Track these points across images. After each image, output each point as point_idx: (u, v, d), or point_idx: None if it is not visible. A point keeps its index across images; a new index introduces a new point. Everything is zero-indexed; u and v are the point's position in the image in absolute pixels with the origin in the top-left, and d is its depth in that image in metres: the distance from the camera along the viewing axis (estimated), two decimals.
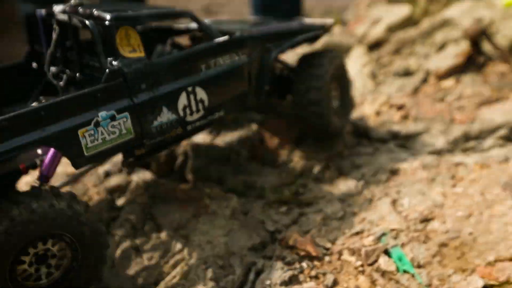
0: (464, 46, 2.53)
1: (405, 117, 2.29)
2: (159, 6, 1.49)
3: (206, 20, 1.38)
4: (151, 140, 1.11)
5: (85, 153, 1.02)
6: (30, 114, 0.96)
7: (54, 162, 1.08)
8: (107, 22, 1.06)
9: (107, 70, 1.04)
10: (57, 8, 1.16)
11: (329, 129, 1.58)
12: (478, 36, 2.37)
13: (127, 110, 1.05)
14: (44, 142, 0.97)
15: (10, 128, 0.92)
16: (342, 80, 1.69)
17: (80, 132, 0.99)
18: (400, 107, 2.34)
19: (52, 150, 1.05)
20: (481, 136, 2.04)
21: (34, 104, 1.16)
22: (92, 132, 1.01)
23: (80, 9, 1.12)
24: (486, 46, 2.46)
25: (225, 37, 1.21)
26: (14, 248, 0.92)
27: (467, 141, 2.01)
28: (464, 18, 2.72)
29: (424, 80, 2.55)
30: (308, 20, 1.60)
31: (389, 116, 2.30)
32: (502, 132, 2.02)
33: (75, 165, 1.04)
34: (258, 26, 1.40)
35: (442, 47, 2.70)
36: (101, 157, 1.08)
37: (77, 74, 1.14)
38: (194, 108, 1.17)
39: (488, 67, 2.51)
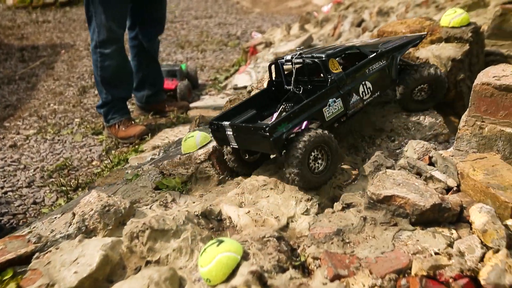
0: None
1: None
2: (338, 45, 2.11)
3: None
4: (350, 111, 1.89)
5: (326, 119, 1.81)
6: (309, 102, 1.75)
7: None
8: (324, 58, 1.84)
9: (329, 80, 1.83)
10: (289, 57, 1.96)
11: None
12: None
13: (339, 97, 1.84)
14: (310, 117, 1.76)
15: (299, 111, 1.72)
16: None
17: (323, 110, 1.79)
18: None
19: (306, 122, 1.75)
20: None
21: (282, 106, 2.01)
22: (327, 109, 1.80)
23: (304, 55, 1.93)
24: None
25: (374, 54, 2.00)
26: (310, 149, 1.66)
27: None
28: None
29: None
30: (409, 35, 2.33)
31: None
32: None
33: (323, 126, 1.80)
34: (385, 44, 2.09)
35: None
36: (331, 121, 1.85)
37: (308, 87, 1.99)
38: (366, 92, 1.95)
39: None
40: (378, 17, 4.95)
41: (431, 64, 2.12)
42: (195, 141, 2.01)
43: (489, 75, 1.75)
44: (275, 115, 2.00)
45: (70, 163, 3.90)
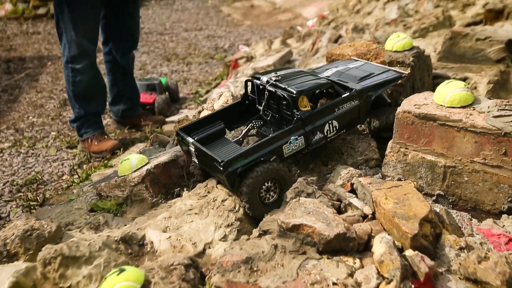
0: None
1: None
2: (317, 77, 2.08)
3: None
4: (311, 147, 1.92)
5: (285, 156, 1.84)
6: (268, 140, 1.78)
7: None
8: (294, 95, 1.83)
9: (295, 117, 1.84)
10: (265, 80, 1.96)
11: None
12: None
13: (302, 135, 1.87)
14: (270, 152, 1.78)
15: (258, 147, 1.75)
16: None
17: (283, 146, 1.82)
18: None
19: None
20: None
21: (250, 125, 2.09)
22: (288, 146, 1.83)
23: (277, 82, 1.91)
24: None
25: (347, 94, 1.97)
26: (261, 181, 1.73)
27: None
28: None
29: None
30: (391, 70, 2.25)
31: None
32: None
33: (282, 160, 1.84)
34: (362, 80, 2.08)
35: None
36: (290, 157, 1.89)
37: (276, 116, 2.05)
38: (331, 130, 1.96)
39: None
40: (354, 33, 5.00)
41: None
42: (130, 163, 2.05)
43: (411, 103, 1.78)
44: (243, 132, 2.07)
45: (40, 177, 3.93)
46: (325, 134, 1.95)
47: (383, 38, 4.00)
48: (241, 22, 10.74)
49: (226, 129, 2.12)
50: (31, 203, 3.41)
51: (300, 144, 1.88)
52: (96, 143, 4.16)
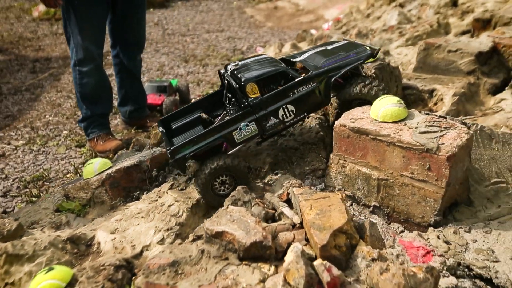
0: None
1: None
2: (274, 65, 2.05)
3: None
4: (266, 133, 1.95)
5: (237, 142, 1.91)
6: (216, 127, 1.87)
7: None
8: (242, 82, 1.88)
9: (243, 105, 1.88)
10: (228, 68, 2.04)
11: None
12: None
13: (253, 121, 1.91)
14: (220, 138, 1.88)
15: (205, 135, 1.86)
16: None
17: (233, 133, 1.90)
18: None
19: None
20: None
21: (224, 112, 2.13)
22: (238, 132, 1.89)
23: (235, 71, 1.97)
24: None
25: (301, 77, 1.94)
26: (215, 175, 1.87)
27: None
28: None
29: None
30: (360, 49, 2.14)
31: None
32: None
33: (233, 147, 1.94)
34: (327, 61, 2.02)
35: None
36: (243, 143, 1.94)
37: (236, 103, 2.02)
38: (287, 114, 1.94)
39: None
40: (357, 38, 5.00)
41: (369, 80, 2.03)
42: (93, 167, 2.18)
43: (348, 117, 1.83)
44: (219, 118, 2.15)
45: (47, 174, 4.13)
46: (281, 119, 1.96)
47: (378, 45, 4.01)
48: (263, 23, 10.82)
49: (211, 118, 2.20)
50: (34, 199, 3.61)
51: (253, 130, 1.94)
52: (101, 142, 4.34)
